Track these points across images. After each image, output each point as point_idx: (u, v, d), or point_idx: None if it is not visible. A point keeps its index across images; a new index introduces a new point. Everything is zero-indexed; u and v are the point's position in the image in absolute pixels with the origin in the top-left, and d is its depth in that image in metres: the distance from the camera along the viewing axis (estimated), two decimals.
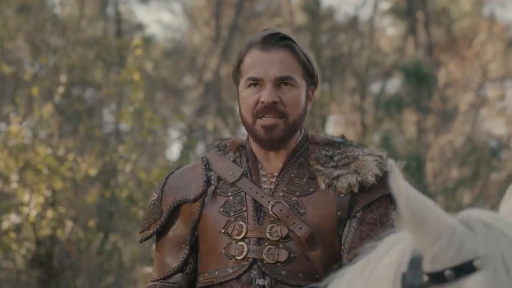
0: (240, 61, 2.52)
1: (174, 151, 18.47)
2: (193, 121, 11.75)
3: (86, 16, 13.64)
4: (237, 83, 2.55)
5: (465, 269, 1.52)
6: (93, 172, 9.48)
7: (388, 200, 2.46)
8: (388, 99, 14.34)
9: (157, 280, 2.57)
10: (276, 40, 2.47)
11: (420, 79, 13.23)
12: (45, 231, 9.22)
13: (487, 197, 13.43)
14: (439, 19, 17.41)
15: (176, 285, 2.56)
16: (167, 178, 2.61)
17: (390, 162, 1.58)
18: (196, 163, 2.62)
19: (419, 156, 12.75)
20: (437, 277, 1.54)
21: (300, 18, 16.73)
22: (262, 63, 2.46)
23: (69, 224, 9.43)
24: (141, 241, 2.62)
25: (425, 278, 1.55)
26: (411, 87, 13.59)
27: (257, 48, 2.48)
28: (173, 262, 2.55)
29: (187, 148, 11.52)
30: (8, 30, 10.43)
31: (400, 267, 1.61)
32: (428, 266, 1.56)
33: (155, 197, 2.59)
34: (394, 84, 16.78)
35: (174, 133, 16.08)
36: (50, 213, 9.18)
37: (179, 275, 2.56)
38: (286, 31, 2.58)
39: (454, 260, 1.53)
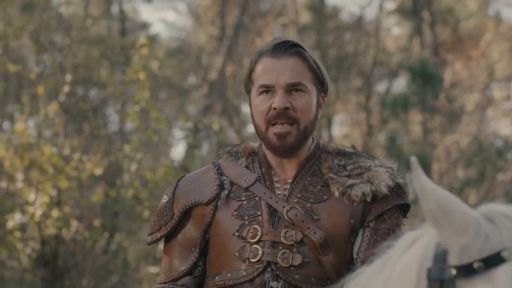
0: (251, 70, 2.55)
1: (179, 150, 18.47)
2: (198, 121, 11.73)
3: (91, 15, 13.60)
4: (248, 91, 2.58)
5: (494, 260, 1.55)
6: (98, 171, 9.47)
7: (399, 211, 2.51)
8: (393, 99, 14.30)
9: (165, 283, 2.58)
10: (286, 48, 2.51)
11: (426, 79, 13.19)
12: (50, 231, 9.21)
13: (493, 198, 13.37)
14: (445, 19, 17.36)
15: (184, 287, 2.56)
16: (178, 181, 2.63)
17: (412, 159, 1.60)
18: (208, 168, 2.64)
19: (425, 157, 12.72)
20: (466, 269, 1.57)
21: (305, 17, 16.69)
22: (273, 70, 2.50)
23: (74, 223, 9.42)
24: (150, 243, 2.63)
25: (453, 272, 1.58)
26: (417, 87, 13.56)
27: (268, 56, 2.52)
28: (182, 265, 2.56)
29: (192, 148, 11.50)
30: (13, 28, 10.40)
31: (424, 263, 1.63)
32: (453, 260, 1.59)
33: (166, 200, 2.60)
34: (400, 84, 16.75)
35: (178, 133, 16.05)
36: (55, 213, 9.17)
37: (187, 278, 2.56)
38: (296, 39, 2.62)
39: (482, 252, 1.56)
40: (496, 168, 13.95)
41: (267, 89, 2.51)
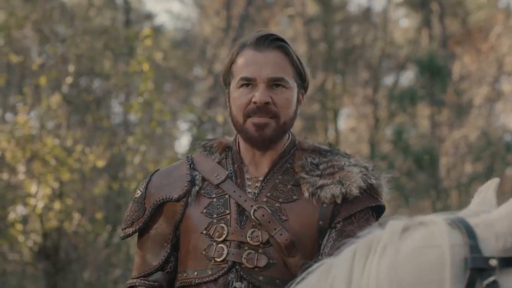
0: (232, 61, 2.51)
1: (183, 143, 18.38)
2: (203, 113, 11.66)
3: (94, 5, 13.51)
4: (227, 83, 2.54)
5: None
6: (101, 163, 9.45)
7: (370, 213, 2.47)
8: (401, 92, 14.21)
9: (137, 278, 2.59)
10: (270, 41, 2.48)
11: (434, 72, 13.07)
12: (52, 223, 9.19)
13: (502, 193, 13.18)
14: (454, 11, 17.24)
15: (156, 283, 2.56)
16: (151, 176, 2.62)
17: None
18: (181, 162, 2.62)
19: (432, 151, 12.64)
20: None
21: (312, 8, 16.58)
22: (255, 63, 2.46)
23: (76, 216, 9.40)
24: (123, 238, 2.63)
25: (493, 262, 1.65)
26: (425, 80, 13.45)
27: (250, 48, 2.49)
28: (154, 260, 2.56)
29: (197, 140, 11.37)
30: (16, 18, 10.32)
31: (455, 250, 1.69)
32: (492, 251, 1.68)
33: (138, 195, 2.60)
34: (408, 77, 16.65)
35: (183, 125, 15.98)
36: (57, 205, 9.15)
37: (159, 273, 2.57)
38: (279, 33, 2.58)
39: None
40: (504, 163, 13.81)
41: (248, 82, 2.46)
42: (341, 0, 16.90)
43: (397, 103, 13.82)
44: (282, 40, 2.49)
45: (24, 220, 9.36)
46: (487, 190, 1.83)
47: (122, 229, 2.62)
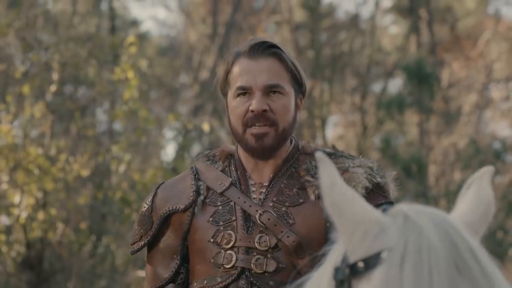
0: (227, 72, 2.55)
1: (169, 151, 18.28)
2: (189, 121, 11.59)
3: (79, 12, 13.40)
4: (225, 94, 2.57)
5: (373, 260, 1.50)
6: (85, 172, 9.38)
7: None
8: (389, 99, 14.17)
9: None
10: (263, 48, 2.51)
11: (422, 79, 13.04)
12: (36, 233, 9.12)
13: None
14: (443, 17, 17.25)
15: None
16: (157, 189, 2.65)
17: (318, 154, 1.51)
18: (185, 173, 2.65)
19: (421, 158, 12.60)
20: (353, 269, 1.53)
21: (300, 15, 16.54)
22: (250, 72, 2.49)
23: (60, 226, 9.33)
24: (133, 253, 2.65)
25: (347, 271, 1.55)
26: (413, 87, 13.41)
27: (244, 57, 2.52)
28: (165, 272, 2.58)
29: (183, 149, 11.31)
30: None
31: (336, 263, 1.62)
32: (349, 259, 1.56)
33: (145, 208, 2.63)
34: (396, 84, 16.61)
35: (169, 133, 15.89)
36: (41, 215, 9.07)
37: (170, 285, 2.60)
38: (273, 39, 2.61)
39: (367, 252, 1.51)
40: (494, 171, 13.75)
41: (245, 91, 2.49)
42: (329, 7, 16.87)
43: (385, 110, 13.78)
44: (276, 47, 2.51)
45: (8, 230, 9.26)
46: (481, 179, 1.62)
47: (131, 244, 2.65)
